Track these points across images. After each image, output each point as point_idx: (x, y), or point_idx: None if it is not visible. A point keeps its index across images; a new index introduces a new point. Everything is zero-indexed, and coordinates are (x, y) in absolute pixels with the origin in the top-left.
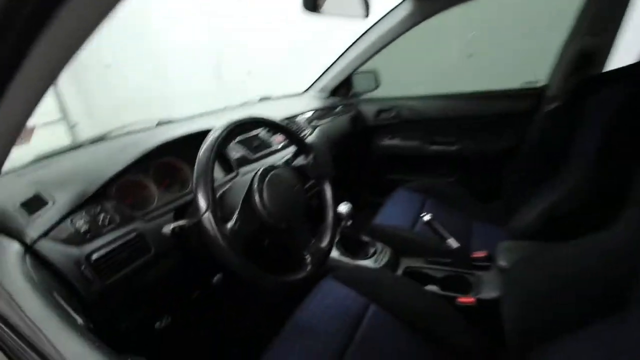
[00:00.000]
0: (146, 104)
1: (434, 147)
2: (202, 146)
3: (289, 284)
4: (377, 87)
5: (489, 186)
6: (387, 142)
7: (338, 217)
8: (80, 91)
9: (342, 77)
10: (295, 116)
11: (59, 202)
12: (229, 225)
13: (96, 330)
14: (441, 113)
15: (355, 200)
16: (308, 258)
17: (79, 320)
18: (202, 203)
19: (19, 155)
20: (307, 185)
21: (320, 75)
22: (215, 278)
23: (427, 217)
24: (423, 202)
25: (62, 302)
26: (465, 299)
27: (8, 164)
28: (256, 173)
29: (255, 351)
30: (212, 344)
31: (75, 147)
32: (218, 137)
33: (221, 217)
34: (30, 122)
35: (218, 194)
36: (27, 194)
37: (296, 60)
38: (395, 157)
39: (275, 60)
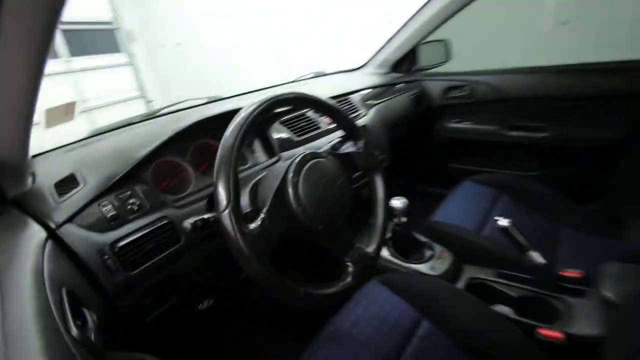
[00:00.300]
0: (218, 80)
1: (514, 133)
2: (227, 128)
3: (324, 299)
4: (448, 59)
5: (584, 185)
6: (455, 124)
7: (390, 213)
8: (156, 69)
9: (405, 49)
10: (349, 94)
11: (89, 184)
12: (253, 225)
13: (121, 321)
14: (526, 91)
15: (410, 191)
16: (350, 266)
17: (73, 331)
18: (222, 197)
19: (76, 129)
20: (355, 175)
21: (381, 48)
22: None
23: (503, 223)
24: (495, 198)
25: (66, 305)
26: (550, 332)
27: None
28: (293, 161)
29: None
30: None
31: (124, 124)
32: (247, 118)
33: (249, 212)
34: (71, 98)
35: (251, 183)
36: (63, 172)
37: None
38: (463, 143)
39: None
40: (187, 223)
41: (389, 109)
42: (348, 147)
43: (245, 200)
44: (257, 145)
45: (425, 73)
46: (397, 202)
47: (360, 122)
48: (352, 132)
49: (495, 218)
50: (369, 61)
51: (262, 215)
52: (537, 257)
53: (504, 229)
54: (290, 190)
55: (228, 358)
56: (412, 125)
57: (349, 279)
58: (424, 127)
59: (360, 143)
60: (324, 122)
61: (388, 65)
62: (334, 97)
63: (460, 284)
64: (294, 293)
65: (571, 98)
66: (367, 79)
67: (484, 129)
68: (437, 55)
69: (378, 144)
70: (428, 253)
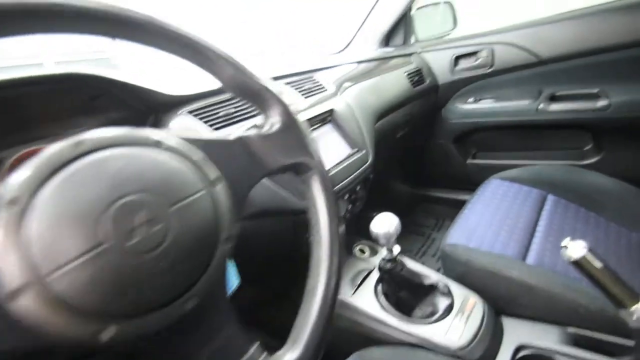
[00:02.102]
0: None
1: (557, 107)
2: None
3: None
4: (454, 26)
5: None
6: (471, 105)
7: (375, 241)
8: None
9: (396, 17)
10: (311, 72)
11: None
12: None
13: None
14: (568, 46)
15: (415, 202)
16: None
17: None
18: None
19: None
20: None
21: (365, 19)
22: None
23: (576, 252)
24: (539, 202)
25: None
26: None
27: None
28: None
29: None
30: None
31: None
32: None
33: None
34: None
35: None
36: None
37: None
38: (485, 130)
39: None
40: None
41: (376, 90)
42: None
43: None
44: None
45: (425, 43)
46: (381, 225)
47: (325, 105)
48: (247, 91)
49: (563, 244)
50: (352, 39)
51: None
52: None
53: (578, 264)
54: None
55: None
56: (413, 112)
57: None
58: (430, 112)
59: (275, 118)
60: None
61: (376, 40)
62: (277, 78)
63: (504, 357)
64: None
65: (636, 44)
66: (349, 56)
67: (512, 107)
68: (438, 22)
69: (354, 139)
70: (443, 303)
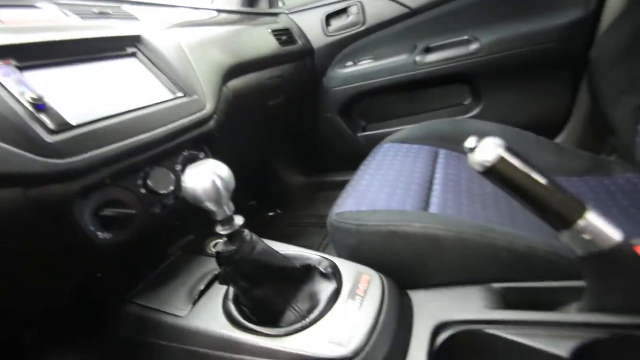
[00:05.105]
0: None
1: (433, 57)
2: None
3: None
4: None
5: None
6: (350, 69)
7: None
8: None
9: None
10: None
11: None
12: None
13: None
14: None
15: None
16: None
17: None
18: None
19: None
20: None
21: None
22: None
23: (493, 151)
24: (434, 156)
25: None
26: None
27: None
28: None
29: None
30: None
31: None
32: None
33: None
34: None
35: None
36: None
37: None
38: (369, 95)
39: None
40: None
41: (227, 41)
42: None
43: None
44: None
45: (293, 4)
46: (196, 176)
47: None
48: None
49: (467, 145)
50: None
51: None
52: (615, 235)
53: (494, 171)
54: None
55: None
56: (285, 75)
57: None
58: (310, 82)
59: None
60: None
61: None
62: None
63: (419, 349)
64: None
65: None
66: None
67: (391, 64)
68: None
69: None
70: (326, 290)
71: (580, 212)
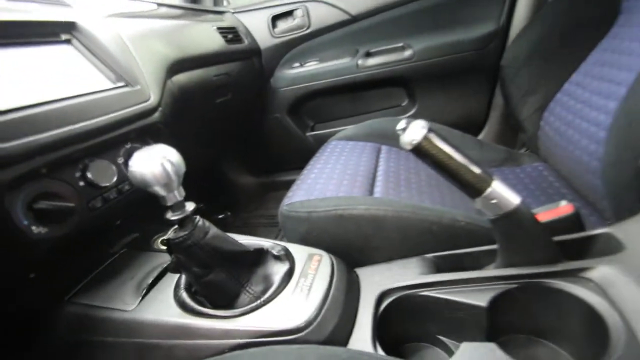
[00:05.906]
0: None
1: (373, 61)
2: None
3: None
4: None
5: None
6: (297, 70)
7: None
8: None
9: None
10: None
11: None
12: None
13: None
14: (375, 1)
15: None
16: None
17: None
18: None
19: None
20: None
21: None
22: None
23: (419, 131)
24: (377, 151)
25: None
26: None
27: None
28: None
29: None
30: None
31: None
32: None
33: None
34: None
35: None
36: None
37: None
38: (314, 95)
39: None
40: None
41: (171, 35)
42: None
43: None
44: None
45: (239, 4)
46: (144, 160)
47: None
48: None
49: (398, 128)
50: None
51: None
52: (514, 199)
53: (420, 149)
54: None
55: None
56: (232, 73)
57: None
58: (257, 82)
59: None
60: None
61: None
62: None
63: (366, 315)
64: None
65: None
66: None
67: (335, 66)
68: None
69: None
70: (279, 272)
71: (488, 182)
